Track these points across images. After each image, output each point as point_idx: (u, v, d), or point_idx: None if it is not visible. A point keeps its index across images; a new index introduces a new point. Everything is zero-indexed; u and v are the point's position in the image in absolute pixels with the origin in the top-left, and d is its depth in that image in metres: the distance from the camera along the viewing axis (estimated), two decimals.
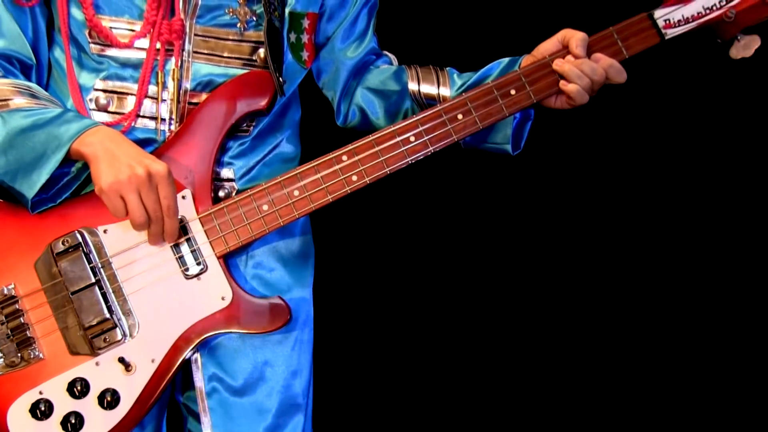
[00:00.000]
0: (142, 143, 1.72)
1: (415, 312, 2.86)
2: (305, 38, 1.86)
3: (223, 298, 1.70)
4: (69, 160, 1.63)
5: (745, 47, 1.75)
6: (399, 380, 2.87)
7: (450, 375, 2.87)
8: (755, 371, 2.79)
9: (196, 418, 1.79)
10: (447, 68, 1.93)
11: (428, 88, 1.90)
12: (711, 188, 2.76)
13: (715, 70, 2.58)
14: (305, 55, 1.86)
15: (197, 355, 1.76)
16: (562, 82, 1.75)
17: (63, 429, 1.65)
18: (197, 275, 1.70)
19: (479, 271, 2.85)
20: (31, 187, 1.62)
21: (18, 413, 1.65)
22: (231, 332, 1.72)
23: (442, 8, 2.75)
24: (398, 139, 1.74)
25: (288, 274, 1.84)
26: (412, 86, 1.91)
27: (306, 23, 1.85)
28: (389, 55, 2.00)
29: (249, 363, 1.79)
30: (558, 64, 1.76)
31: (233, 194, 1.77)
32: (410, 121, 1.75)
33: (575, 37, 1.75)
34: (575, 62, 1.74)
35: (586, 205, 2.80)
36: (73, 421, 1.65)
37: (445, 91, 1.88)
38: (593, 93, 1.76)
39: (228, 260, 1.74)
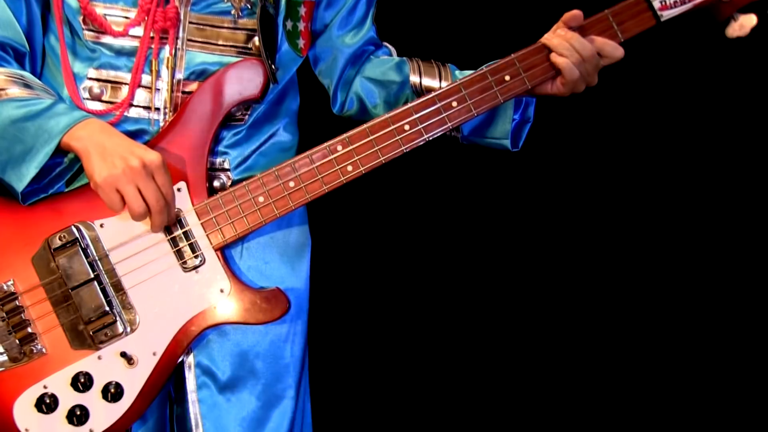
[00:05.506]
0: (135, 134, 1.72)
1: (412, 304, 2.86)
2: (301, 26, 1.85)
3: (221, 290, 1.70)
4: (60, 151, 1.63)
5: (741, 27, 1.73)
6: (396, 373, 2.87)
7: (447, 366, 2.87)
8: (755, 371, 2.77)
9: (186, 408, 1.78)
10: (448, 64, 1.91)
11: (430, 82, 1.89)
12: (708, 177, 2.74)
13: (712, 51, 2.55)
14: (301, 43, 1.85)
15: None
16: (552, 55, 1.72)
17: (68, 422, 1.67)
18: (195, 268, 1.70)
19: (475, 263, 2.84)
20: (20, 179, 1.62)
21: (24, 408, 1.66)
22: (230, 323, 1.72)
23: (443, 4, 2.72)
24: (392, 127, 1.72)
25: (283, 265, 1.83)
26: (414, 78, 1.90)
27: (303, 11, 1.84)
28: (389, 46, 1.99)
29: (239, 355, 1.78)
30: (548, 38, 1.72)
31: (228, 184, 1.76)
32: (404, 108, 1.73)
33: (568, 12, 1.72)
34: (565, 35, 1.71)
35: (586, 201, 2.78)
36: (78, 414, 1.67)
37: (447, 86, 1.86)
38: (588, 76, 1.73)
39: (225, 251, 1.73)
